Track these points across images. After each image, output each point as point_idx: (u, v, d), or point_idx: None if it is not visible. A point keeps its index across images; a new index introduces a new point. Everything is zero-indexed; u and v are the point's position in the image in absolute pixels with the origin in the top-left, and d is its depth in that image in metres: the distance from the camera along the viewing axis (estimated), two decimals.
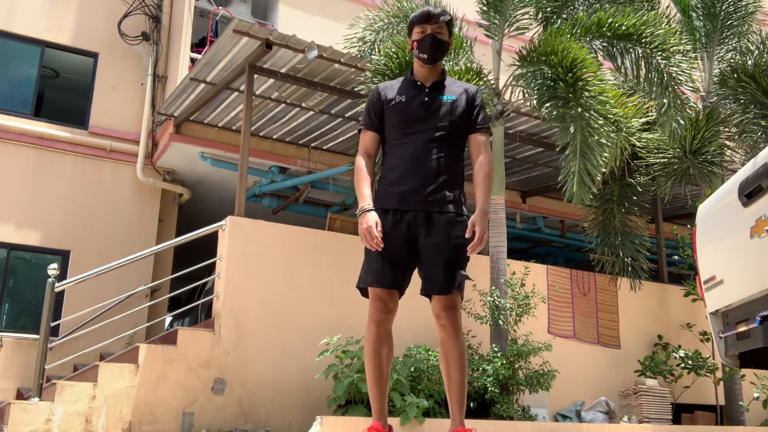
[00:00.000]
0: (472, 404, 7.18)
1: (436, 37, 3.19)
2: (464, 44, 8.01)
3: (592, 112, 7.02)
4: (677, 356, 9.19)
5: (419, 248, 3.13)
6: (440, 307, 3.09)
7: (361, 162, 3.25)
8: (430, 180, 3.13)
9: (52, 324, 6.92)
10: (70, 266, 9.66)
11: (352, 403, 6.62)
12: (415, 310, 7.40)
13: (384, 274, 3.09)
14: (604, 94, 7.11)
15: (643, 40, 7.55)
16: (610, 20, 7.62)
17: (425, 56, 3.20)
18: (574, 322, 9.35)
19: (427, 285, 3.14)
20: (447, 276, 3.09)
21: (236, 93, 8.92)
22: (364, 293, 3.20)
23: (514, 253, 10.59)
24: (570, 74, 7.12)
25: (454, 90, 3.26)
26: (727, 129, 9.51)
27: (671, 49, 7.53)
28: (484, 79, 7.98)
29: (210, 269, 8.21)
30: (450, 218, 3.14)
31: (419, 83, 3.26)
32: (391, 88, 3.30)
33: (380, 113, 3.28)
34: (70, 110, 10.69)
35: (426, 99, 3.20)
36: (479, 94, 3.30)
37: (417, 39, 3.21)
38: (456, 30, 8.32)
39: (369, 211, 3.10)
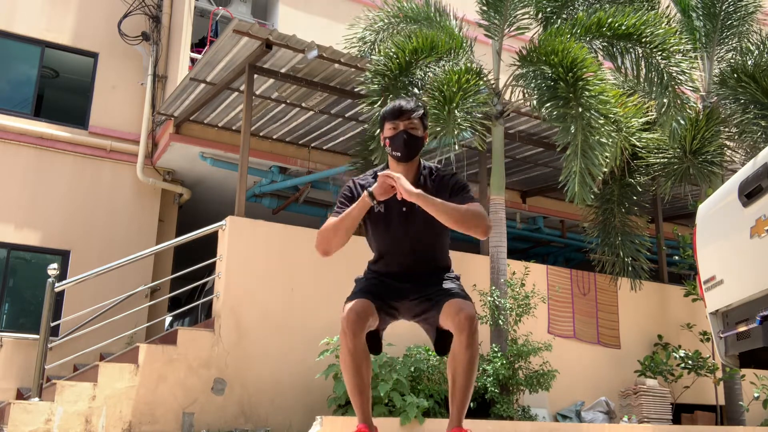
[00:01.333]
0: (472, 404, 7.18)
1: (410, 134, 3.02)
2: (464, 44, 8.01)
3: (592, 112, 7.02)
4: (677, 356, 9.19)
5: (408, 299, 3.11)
6: (456, 309, 2.94)
7: (330, 220, 3.10)
8: (419, 268, 3.13)
9: (52, 324, 6.92)
10: (70, 266, 9.66)
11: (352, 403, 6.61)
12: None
13: (360, 294, 3.03)
14: (604, 94, 7.11)
15: (643, 40, 7.55)
16: (610, 20, 7.62)
17: (398, 154, 3.04)
18: (574, 322, 9.35)
19: (433, 309, 3.05)
20: (449, 290, 3.06)
21: (236, 93, 8.92)
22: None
23: (514, 253, 10.59)
24: (570, 74, 7.11)
25: (432, 185, 3.09)
26: (727, 129, 9.51)
27: (671, 49, 7.53)
28: (484, 79, 7.98)
29: (210, 269, 8.20)
30: (440, 275, 3.15)
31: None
32: (366, 183, 3.12)
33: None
34: (70, 110, 10.69)
35: (404, 209, 3.03)
36: (453, 178, 3.13)
37: (389, 136, 3.05)
38: (456, 30, 8.33)
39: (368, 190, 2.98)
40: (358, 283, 3.19)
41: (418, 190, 2.88)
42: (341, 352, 2.99)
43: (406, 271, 3.12)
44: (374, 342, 3.13)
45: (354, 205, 2.98)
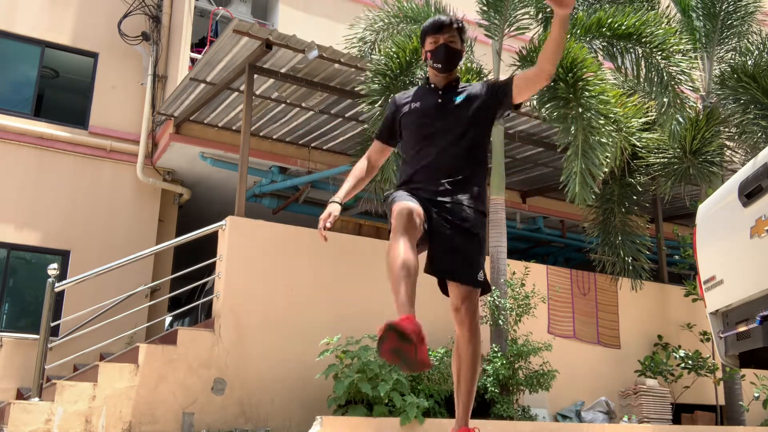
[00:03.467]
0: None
1: (450, 47, 3.18)
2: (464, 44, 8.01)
3: (592, 112, 7.03)
4: (677, 356, 9.19)
5: (434, 223, 3.02)
6: (460, 298, 3.00)
7: (359, 164, 3.36)
8: (449, 181, 3.09)
9: (52, 324, 6.92)
10: (70, 266, 9.66)
11: (352, 403, 6.62)
12: (416, 311, 7.40)
13: (408, 198, 2.97)
14: (604, 94, 7.11)
15: (643, 40, 7.56)
16: (610, 20, 7.62)
17: (440, 66, 3.20)
18: (574, 322, 9.35)
19: (439, 267, 3.01)
20: (464, 263, 3.02)
21: (236, 93, 8.92)
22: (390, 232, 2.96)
23: (514, 253, 10.59)
24: (570, 74, 7.12)
25: (465, 89, 3.24)
26: (727, 129, 9.51)
27: (671, 49, 7.54)
28: (484, 79, 7.98)
29: (210, 269, 8.20)
30: (468, 211, 3.08)
31: (433, 86, 3.27)
32: (406, 96, 3.33)
33: (391, 124, 3.33)
34: (70, 110, 10.69)
35: (440, 101, 3.19)
36: (486, 81, 3.32)
37: (430, 49, 3.21)
38: None
39: (333, 203, 3.19)
40: (396, 194, 3.06)
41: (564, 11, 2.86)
42: (389, 258, 2.76)
43: (443, 181, 3.08)
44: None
45: (342, 186, 3.28)
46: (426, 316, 7.81)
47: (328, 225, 3.08)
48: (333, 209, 3.16)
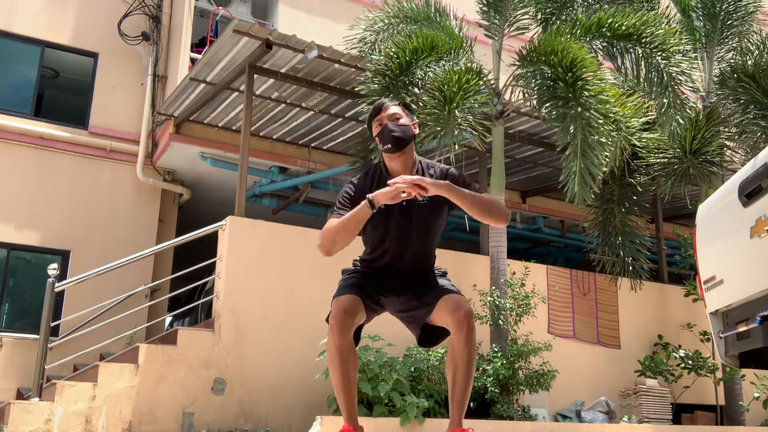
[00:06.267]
0: (472, 404, 7.18)
1: (395, 124, 3.07)
2: (464, 44, 8.01)
3: (592, 112, 7.03)
4: (677, 356, 9.19)
5: (395, 294, 3.13)
6: (453, 306, 2.96)
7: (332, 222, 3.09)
8: (412, 267, 3.14)
9: (52, 324, 6.92)
10: (70, 266, 9.65)
11: None
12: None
13: (349, 289, 3.07)
14: (603, 94, 7.11)
15: (643, 40, 7.55)
16: (609, 20, 7.62)
17: (389, 146, 3.06)
18: (574, 322, 9.35)
19: (423, 307, 3.08)
20: (442, 287, 3.08)
21: (236, 93, 8.92)
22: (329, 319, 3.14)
23: (514, 253, 10.59)
24: (570, 74, 7.12)
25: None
26: (727, 129, 9.51)
27: (671, 49, 7.53)
28: (484, 79, 7.98)
29: (210, 269, 8.20)
30: (428, 273, 3.18)
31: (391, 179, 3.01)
32: (365, 184, 3.14)
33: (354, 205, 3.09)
34: (70, 110, 10.69)
35: (404, 204, 3.01)
36: (456, 172, 3.17)
37: (377, 134, 3.12)
38: (456, 30, 8.33)
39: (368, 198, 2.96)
40: (346, 277, 3.21)
41: (446, 182, 2.90)
42: (328, 349, 3.05)
43: (399, 268, 3.14)
44: (355, 337, 3.17)
45: (356, 210, 2.94)
46: None
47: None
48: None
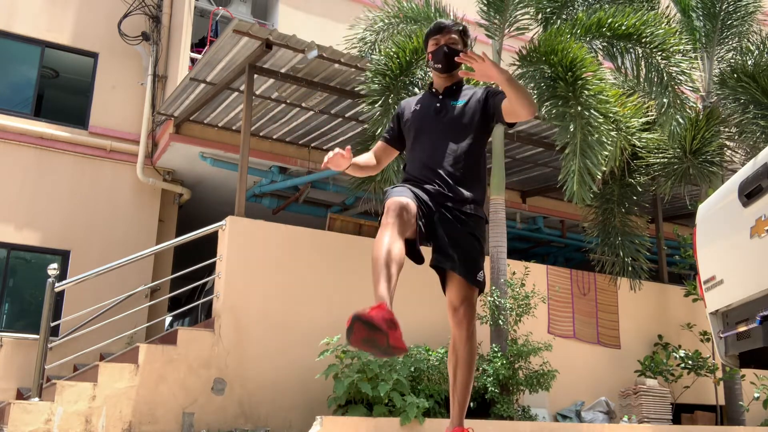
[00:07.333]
0: (472, 404, 7.18)
1: (450, 47, 3.26)
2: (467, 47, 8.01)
3: (591, 111, 7.03)
4: (677, 356, 9.19)
5: (436, 218, 3.05)
6: (459, 298, 3.04)
7: (366, 153, 3.47)
8: (444, 182, 3.12)
9: (52, 324, 6.92)
10: (70, 266, 9.66)
11: (352, 403, 6.62)
12: (416, 310, 7.41)
13: (404, 192, 2.97)
14: (603, 93, 7.11)
15: (643, 40, 7.56)
16: (610, 20, 7.62)
17: (439, 66, 3.29)
18: (574, 322, 9.35)
19: (442, 258, 3.03)
20: (465, 262, 3.04)
21: (236, 93, 8.92)
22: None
23: (514, 253, 10.59)
24: (570, 73, 7.12)
25: (467, 94, 3.32)
26: (727, 129, 9.51)
27: (671, 49, 7.53)
28: (488, 85, 7.97)
29: (210, 269, 8.21)
30: (464, 215, 3.11)
31: (434, 91, 3.37)
32: (409, 101, 3.44)
33: (395, 127, 3.44)
34: (70, 110, 10.69)
35: (438, 105, 3.28)
36: (487, 87, 3.35)
37: (431, 51, 3.31)
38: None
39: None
40: (396, 185, 3.12)
41: (504, 68, 3.05)
42: (375, 244, 2.75)
43: (442, 179, 3.11)
44: (414, 251, 2.97)
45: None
46: (427, 317, 7.78)
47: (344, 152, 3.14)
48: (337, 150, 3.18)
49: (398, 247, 2.73)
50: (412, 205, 2.88)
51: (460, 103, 3.27)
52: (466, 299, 3.03)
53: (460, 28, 3.33)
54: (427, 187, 3.11)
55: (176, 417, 6.73)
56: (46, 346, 6.62)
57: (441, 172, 3.13)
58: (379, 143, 3.50)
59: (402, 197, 2.88)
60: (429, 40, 3.34)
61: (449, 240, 3.04)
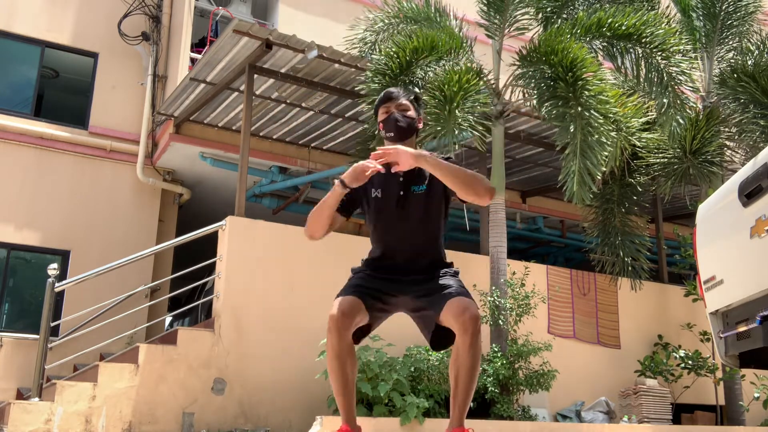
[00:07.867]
0: (472, 404, 7.15)
1: (401, 114, 3.16)
2: (464, 44, 8.01)
3: (592, 111, 7.02)
4: (677, 356, 9.19)
5: (404, 293, 3.10)
6: (460, 310, 2.91)
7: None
8: (417, 259, 3.13)
9: (52, 324, 6.92)
10: (70, 266, 9.65)
11: None
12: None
13: (350, 290, 3.09)
14: (603, 94, 7.11)
15: (643, 40, 7.55)
16: (610, 20, 7.62)
17: (392, 134, 3.15)
18: (574, 322, 9.35)
19: (431, 308, 3.03)
20: (449, 288, 3.02)
21: (236, 93, 8.92)
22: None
23: (514, 253, 10.59)
24: (570, 74, 7.12)
25: (426, 174, 3.14)
26: (727, 129, 9.51)
27: (671, 49, 7.53)
28: (484, 79, 7.98)
29: (210, 269, 8.20)
30: (430, 273, 3.12)
31: (393, 171, 3.08)
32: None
33: (348, 199, 3.17)
34: (70, 110, 10.69)
35: (401, 193, 3.12)
36: (450, 160, 3.17)
37: (381, 120, 3.20)
38: (456, 30, 8.32)
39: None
40: (352, 277, 3.22)
41: (419, 151, 2.96)
42: (327, 351, 3.07)
43: (404, 264, 3.13)
44: (359, 335, 3.18)
45: (329, 193, 3.04)
46: None
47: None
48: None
49: (346, 347, 3.07)
50: (358, 304, 3.05)
51: (422, 189, 3.12)
52: (467, 308, 2.92)
53: (411, 96, 3.24)
54: (395, 269, 3.12)
55: (176, 417, 6.73)
56: (46, 346, 6.62)
57: (408, 253, 3.13)
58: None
59: (349, 296, 3.07)
60: (379, 109, 3.22)
61: (428, 288, 3.06)
